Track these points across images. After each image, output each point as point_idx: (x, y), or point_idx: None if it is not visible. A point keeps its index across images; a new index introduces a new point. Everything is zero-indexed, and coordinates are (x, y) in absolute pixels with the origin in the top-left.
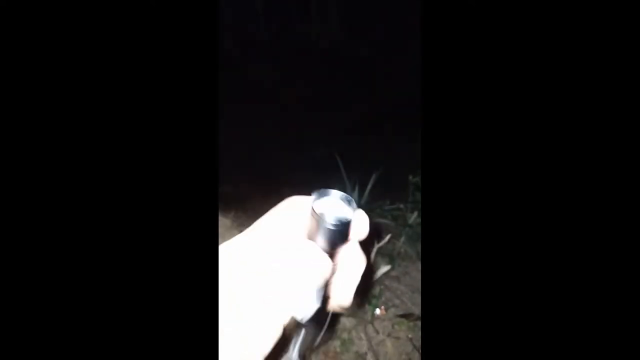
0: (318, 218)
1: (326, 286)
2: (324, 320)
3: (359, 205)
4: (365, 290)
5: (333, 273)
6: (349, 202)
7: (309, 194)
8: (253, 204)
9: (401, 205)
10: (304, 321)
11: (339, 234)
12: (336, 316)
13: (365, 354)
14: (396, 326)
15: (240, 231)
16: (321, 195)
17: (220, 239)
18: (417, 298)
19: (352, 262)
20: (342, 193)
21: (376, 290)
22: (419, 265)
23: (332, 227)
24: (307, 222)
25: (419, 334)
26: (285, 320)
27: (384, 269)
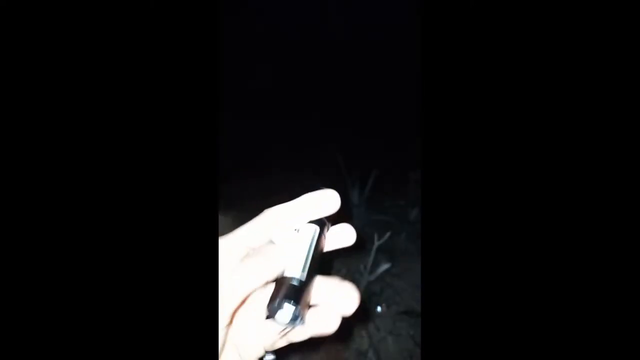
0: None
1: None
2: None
3: (360, 202)
4: (366, 287)
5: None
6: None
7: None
8: (253, 203)
9: (402, 202)
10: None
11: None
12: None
13: (367, 351)
14: (397, 323)
15: None
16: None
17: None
18: (419, 295)
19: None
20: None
21: (377, 287)
22: (420, 261)
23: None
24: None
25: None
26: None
27: (384, 266)
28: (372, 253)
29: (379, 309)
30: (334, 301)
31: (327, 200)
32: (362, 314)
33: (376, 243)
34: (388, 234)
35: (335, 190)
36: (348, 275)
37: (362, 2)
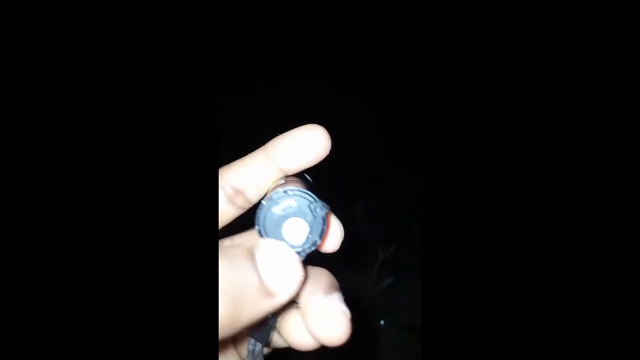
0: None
1: None
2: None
3: (363, 217)
4: (369, 302)
5: None
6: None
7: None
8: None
9: (405, 217)
10: None
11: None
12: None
13: None
14: (400, 338)
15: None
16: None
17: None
18: None
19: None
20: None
21: (380, 302)
22: None
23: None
24: None
25: None
26: None
27: (387, 281)
28: (376, 268)
29: (381, 322)
30: (316, 326)
31: (308, 140)
32: (365, 328)
33: (380, 257)
34: (392, 248)
35: (339, 205)
36: (351, 290)
37: (362, 5)
